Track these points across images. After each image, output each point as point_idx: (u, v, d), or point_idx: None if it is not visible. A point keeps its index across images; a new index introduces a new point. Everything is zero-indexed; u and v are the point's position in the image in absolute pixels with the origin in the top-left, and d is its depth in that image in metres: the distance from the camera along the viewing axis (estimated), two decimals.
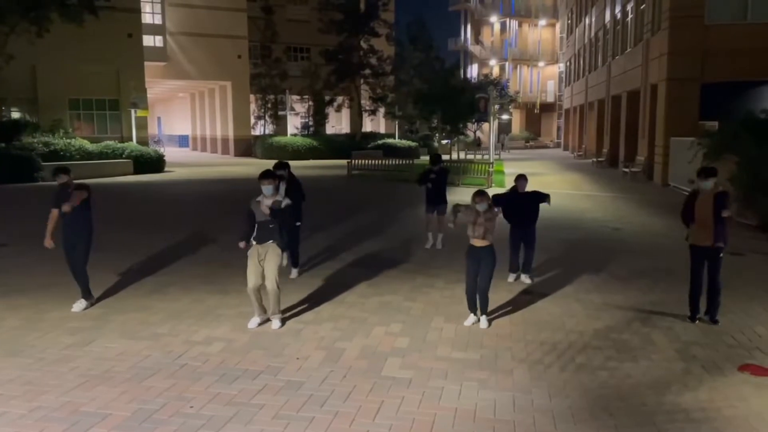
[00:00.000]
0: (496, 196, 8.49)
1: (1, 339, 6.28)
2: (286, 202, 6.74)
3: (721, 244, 6.78)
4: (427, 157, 30.89)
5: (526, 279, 8.68)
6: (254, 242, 6.71)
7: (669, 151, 21.58)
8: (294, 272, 9.02)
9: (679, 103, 21.42)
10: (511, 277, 8.70)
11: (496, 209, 7.33)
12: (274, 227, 6.64)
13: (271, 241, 6.66)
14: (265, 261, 6.65)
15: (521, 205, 8.56)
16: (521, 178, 8.63)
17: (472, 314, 6.94)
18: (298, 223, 8.80)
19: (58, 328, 6.62)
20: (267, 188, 6.65)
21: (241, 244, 6.81)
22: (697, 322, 6.95)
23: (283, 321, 6.85)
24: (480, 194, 6.74)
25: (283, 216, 6.66)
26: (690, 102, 21.26)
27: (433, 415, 4.71)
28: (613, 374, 5.52)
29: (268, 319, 6.84)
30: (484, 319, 6.84)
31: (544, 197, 8.58)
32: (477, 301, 6.85)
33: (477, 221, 6.64)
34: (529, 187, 8.70)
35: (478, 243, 6.71)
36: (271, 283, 6.62)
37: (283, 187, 8.73)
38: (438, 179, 11.01)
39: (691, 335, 6.55)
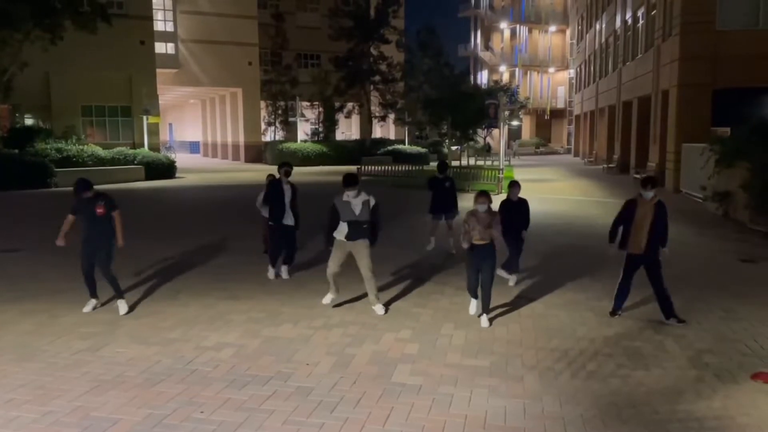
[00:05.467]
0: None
1: (13, 343, 6.33)
2: (373, 201, 7.18)
3: (661, 253, 7.15)
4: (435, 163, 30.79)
5: (503, 274, 8.69)
6: (338, 237, 7.15)
7: (681, 157, 21.45)
8: (284, 270, 9.21)
9: (691, 109, 21.28)
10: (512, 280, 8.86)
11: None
12: (367, 227, 7.13)
13: (361, 239, 7.12)
14: (357, 259, 7.24)
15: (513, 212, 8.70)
16: (514, 186, 8.87)
17: (474, 299, 7.25)
18: (290, 223, 9.10)
19: (70, 333, 6.66)
20: (352, 193, 7.10)
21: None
22: (617, 315, 7.34)
23: (386, 308, 7.42)
24: (483, 194, 7.02)
25: (376, 215, 7.19)
26: (702, 108, 21.13)
27: (443, 422, 4.70)
28: (625, 382, 5.48)
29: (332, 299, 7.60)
30: (484, 318, 7.00)
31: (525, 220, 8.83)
32: (479, 293, 7.12)
33: (481, 221, 6.88)
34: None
35: (481, 242, 6.92)
36: (366, 272, 7.25)
37: (290, 190, 9.14)
38: (452, 187, 11.17)
39: (704, 343, 6.49)
